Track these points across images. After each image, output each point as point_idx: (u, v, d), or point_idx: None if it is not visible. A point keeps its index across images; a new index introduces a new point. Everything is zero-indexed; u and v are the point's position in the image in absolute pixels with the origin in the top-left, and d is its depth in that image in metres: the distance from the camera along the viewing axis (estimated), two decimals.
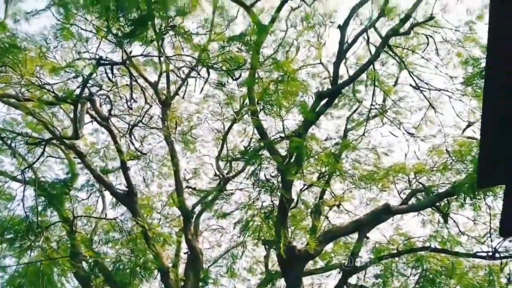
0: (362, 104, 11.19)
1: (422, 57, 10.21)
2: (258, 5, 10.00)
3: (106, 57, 8.44)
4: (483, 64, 8.97)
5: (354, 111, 11.48)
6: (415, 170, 10.24)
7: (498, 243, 8.97)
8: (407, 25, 9.75)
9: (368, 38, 9.94)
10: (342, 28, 9.87)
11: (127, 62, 8.89)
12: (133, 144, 10.71)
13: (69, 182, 10.42)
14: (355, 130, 11.52)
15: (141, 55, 9.20)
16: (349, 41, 10.05)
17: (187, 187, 11.69)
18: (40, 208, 9.66)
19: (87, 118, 9.90)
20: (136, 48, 9.06)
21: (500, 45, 2.06)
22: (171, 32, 8.44)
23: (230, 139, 12.02)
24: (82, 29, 8.81)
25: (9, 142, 9.55)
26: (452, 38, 10.09)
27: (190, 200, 11.33)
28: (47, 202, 9.93)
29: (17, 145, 9.70)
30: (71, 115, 8.98)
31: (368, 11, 10.18)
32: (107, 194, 11.36)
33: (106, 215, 11.48)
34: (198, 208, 10.82)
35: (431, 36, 9.97)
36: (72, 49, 9.04)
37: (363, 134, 10.92)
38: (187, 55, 9.68)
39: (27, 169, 9.61)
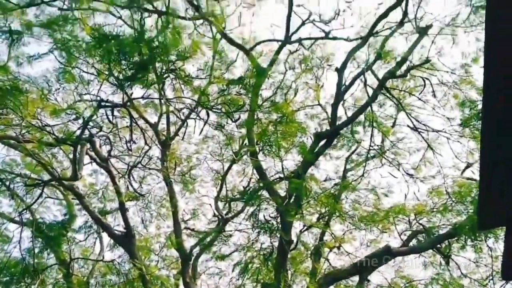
0: (360, 145, 11.25)
1: (419, 99, 10.34)
2: (257, 48, 10.22)
3: (107, 99, 8.57)
4: (480, 106, 9.08)
5: (353, 152, 11.50)
6: (415, 211, 10.18)
7: (501, 286, 8.84)
8: (403, 68, 9.94)
9: (365, 80, 10.09)
10: (340, 70, 10.05)
11: (128, 104, 9.00)
12: (131, 185, 10.70)
13: (67, 223, 10.34)
14: (355, 171, 11.52)
15: (142, 97, 9.32)
16: (347, 83, 10.22)
17: (186, 228, 11.58)
18: (36, 250, 9.55)
19: (86, 159, 9.94)
20: (137, 90, 9.23)
21: (498, 48, 2.06)
22: (171, 75, 8.58)
23: (229, 179, 11.99)
24: (84, 71, 8.97)
25: (8, 183, 9.55)
26: (448, 81, 10.26)
27: (189, 242, 11.21)
28: (44, 244, 9.82)
29: (15, 186, 9.70)
30: (71, 156, 9.01)
31: (365, 54, 10.39)
32: (105, 235, 11.25)
33: (103, 257, 11.32)
34: (196, 250, 10.68)
35: (427, 79, 10.12)
36: (74, 91, 9.17)
37: (363, 175, 10.92)
38: (187, 97, 9.82)
39: (25, 210, 9.57)
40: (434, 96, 10.26)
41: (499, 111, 2.16)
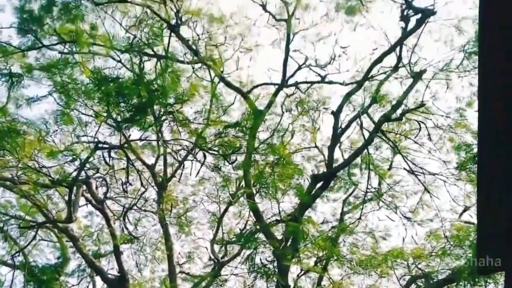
0: (357, 187, 11.21)
1: (415, 142, 10.40)
2: (254, 91, 10.36)
3: (105, 141, 8.60)
4: (475, 150, 9.13)
5: (350, 194, 11.43)
6: (414, 255, 10.04)
7: None
8: (399, 111, 10.05)
9: (361, 123, 10.19)
10: (336, 113, 10.17)
11: (125, 145, 9.03)
12: (126, 228, 10.58)
13: (60, 267, 10.16)
14: (352, 214, 11.43)
15: (140, 139, 9.36)
16: (343, 126, 10.32)
17: (181, 272, 11.37)
18: None
19: (82, 201, 9.88)
20: (134, 132, 9.35)
21: (495, 57, 2.07)
22: (169, 118, 8.65)
23: (226, 222, 11.88)
24: (82, 113, 9.04)
25: (2, 225, 9.44)
26: (444, 124, 10.35)
27: (184, 286, 11.00)
28: None
29: (9, 228, 9.59)
30: (67, 198, 8.95)
31: (360, 98, 10.53)
32: (98, 279, 11.02)
33: None
34: None
35: (422, 122, 10.22)
36: (71, 133, 9.21)
37: (360, 218, 10.82)
38: (184, 139, 9.86)
39: (18, 253, 9.42)
40: (430, 139, 10.33)
41: (496, 120, 2.16)
